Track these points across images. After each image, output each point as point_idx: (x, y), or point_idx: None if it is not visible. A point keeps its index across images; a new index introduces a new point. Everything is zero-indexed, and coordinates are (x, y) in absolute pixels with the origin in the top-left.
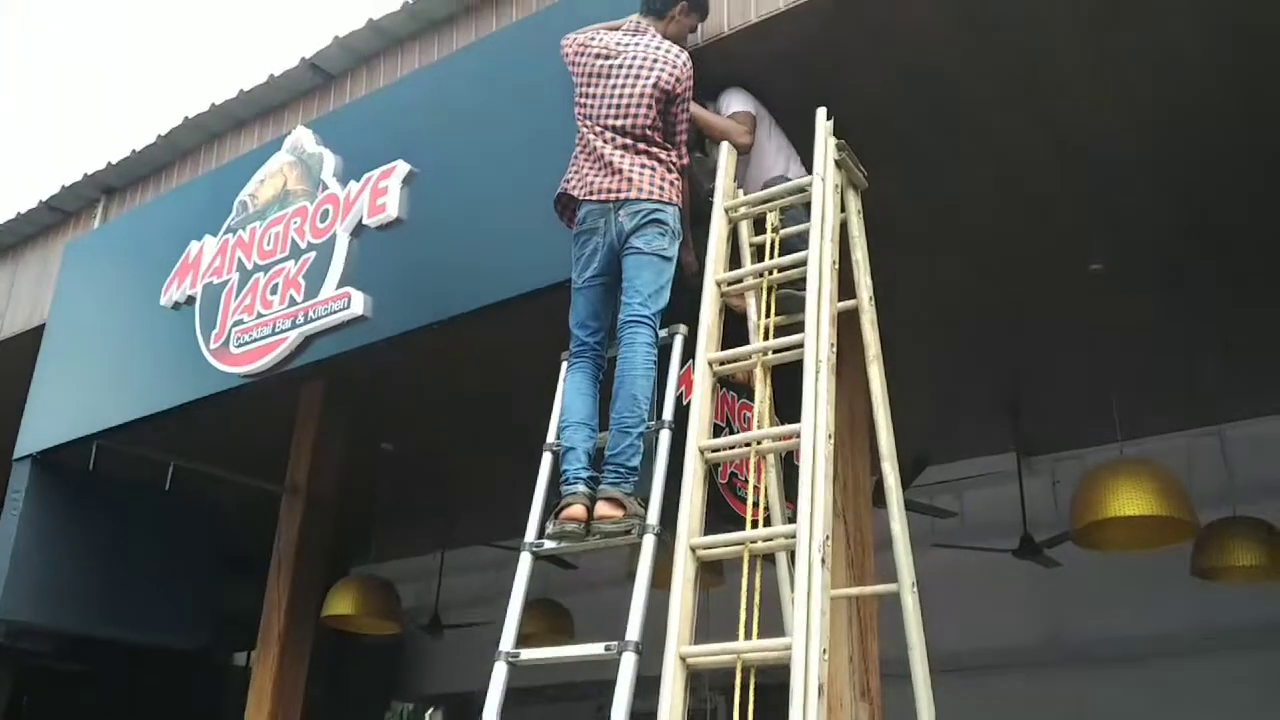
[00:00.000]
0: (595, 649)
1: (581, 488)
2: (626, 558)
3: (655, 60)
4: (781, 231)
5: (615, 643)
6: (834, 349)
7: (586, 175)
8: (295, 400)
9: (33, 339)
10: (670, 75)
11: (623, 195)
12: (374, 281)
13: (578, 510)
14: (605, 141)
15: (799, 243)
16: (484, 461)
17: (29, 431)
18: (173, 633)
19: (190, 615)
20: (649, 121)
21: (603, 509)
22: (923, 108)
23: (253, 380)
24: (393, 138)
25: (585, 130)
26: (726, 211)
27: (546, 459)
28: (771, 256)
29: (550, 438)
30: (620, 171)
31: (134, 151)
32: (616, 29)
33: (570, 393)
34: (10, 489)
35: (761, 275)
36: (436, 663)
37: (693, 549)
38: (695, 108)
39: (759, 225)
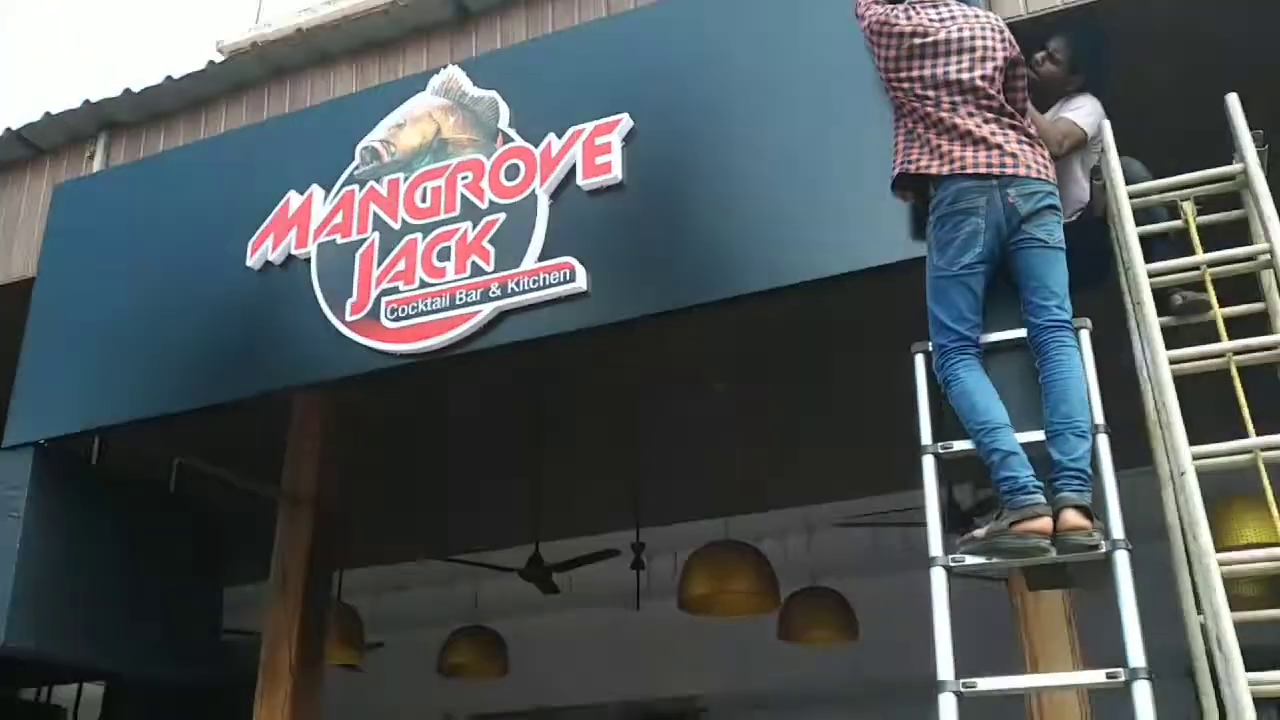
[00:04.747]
0: (1094, 676)
1: (1041, 497)
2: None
3: (988, 29)
4: (1200, 219)
5: (1120, 670)
6: None
7: (949, 150)
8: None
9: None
10: (1008, 40)
11: (1008, 171)
12: (592, 254)
13: (1046, 524)
14: (963, 117)
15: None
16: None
17: (28, 414)
18: (174, 665)
19: (192, 644)
20: (999, 92)
21: (1074, 519)
22: None
23: (421, 360)
24: (593, 87)
25: (923, 107)
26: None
27: (930, 463)
28: (1188, 251)
29: (926, 440)
30: (1000, 147)
31: (169, 79)
32: (909, 6)
33: (979, 392)
34: (5, 483)
35: (1197, 269)
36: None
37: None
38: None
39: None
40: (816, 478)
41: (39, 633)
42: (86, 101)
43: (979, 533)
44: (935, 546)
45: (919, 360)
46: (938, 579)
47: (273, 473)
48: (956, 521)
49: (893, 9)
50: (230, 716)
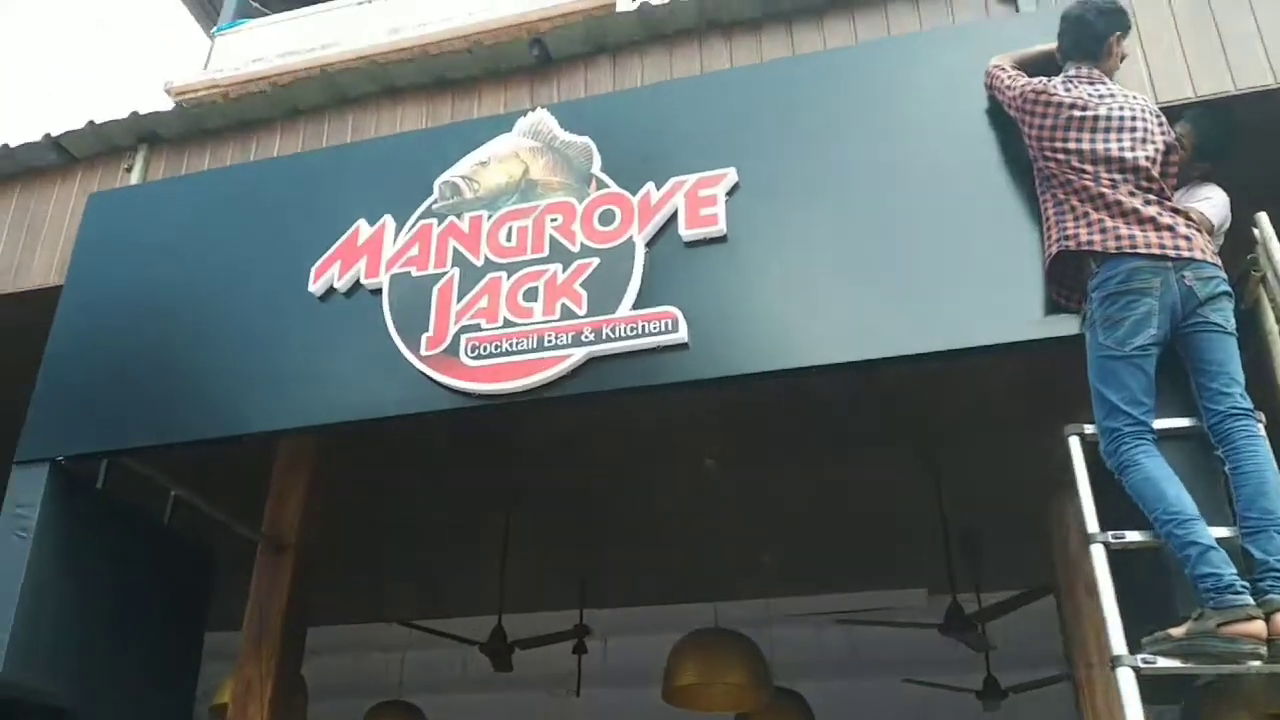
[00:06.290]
0: None
1: (1251, 598)
2: None
3: (1146, 111)
4: None
5: None
6: None
7: (1114, 227)
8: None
9: (15, 303)
10: (1164, 125)
11: (1184, 254)
12: (690, 306)
13: (1261, 627)
14: (1125, 195)
15: None
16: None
17: (46, 428)
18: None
19: (171, 697)
20: (1160, 175)
21: None
22: None
23: (501, 401)
24: (694, 139)
25: (1079, 180)
26: None
27: (1100, 552)
28: None
29: (1092, 528)
30: (1172, 228)
31: (224, 98)
32: (1066, 80)
33: (1166, 480)
34: (15, 500)
35: None
36: None
37: None
38: None
39: None
40: (778, 570)
41: (35, 667)
42: (133, 113)
43: (1175, 632)
44: (1118, 644)
45: (1074, 443)
46: (1126, 680)
47: (249, 515)
48: (961, 625)
49: (1049, 80)
50: None
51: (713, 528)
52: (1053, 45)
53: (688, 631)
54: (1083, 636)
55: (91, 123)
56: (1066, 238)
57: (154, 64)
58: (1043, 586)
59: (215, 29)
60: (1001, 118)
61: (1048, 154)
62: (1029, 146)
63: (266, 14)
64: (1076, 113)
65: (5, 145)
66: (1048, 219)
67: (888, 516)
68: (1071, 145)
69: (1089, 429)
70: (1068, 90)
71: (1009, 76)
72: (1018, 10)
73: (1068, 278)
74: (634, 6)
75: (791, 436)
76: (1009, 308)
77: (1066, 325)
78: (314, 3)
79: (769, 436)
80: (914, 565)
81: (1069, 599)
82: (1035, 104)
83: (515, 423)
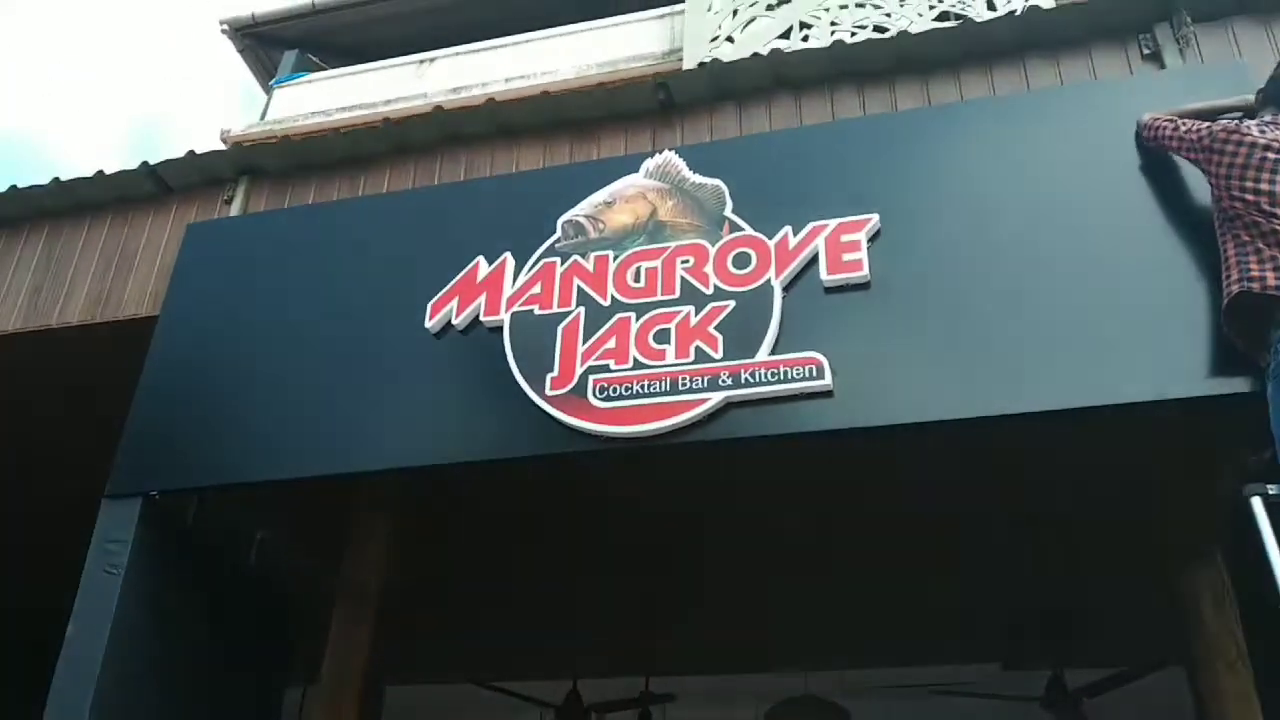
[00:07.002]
0: None
1: None
2: None
3: None
4: None
5: None
6: None
7: None
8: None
9: (105, 332)
10: None
11: None
12: (831, 352)
13: None
14: None
15: None
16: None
17: (138, 462)
18: None
19: None
20: None
21: None
22: None
23: (630, 445)
24: (831, 183)
25: (1268, 223)
26: None
27: None
28: None
29: None
30: None
31: (336, 132)
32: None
33: None
34: (105, 535)
35: None
36: None
37: None
38: None
39: None
40: (867, 639)
41: (119, 713)
42: (235, 145)
43: None
44: None
45: (1257, 504)
46: None
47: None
48: (1062, 699)
49: (1241, 121)
50: None
51: (790, 596)
52: (1235, 100)
53: (752, 699)
54: (1223, 714)
55: (191, 152)
56: (1250, 279)
57: (154, 64)
58: (1144, 663)
59: (273, 81)
60: (1152, 171)
61: (1235, 193)
62: (1213, 187)
63: (324, 69)
64: (1271, 154)
65: (100, 172)
66: (1227, 261)
67: (971, 588)
68: (1264, 186)
69: (1273, 489)
70: (1262, 132)
71: (1183, 122)
72: (1163, 67)
73: (1247, 324)
74: (710, 60)
75: (878, 500)
76: (1168, 363)
77: (1233, 383)
78: (373, 59)
79: (853, 498)
80: (990, 638)
81: (1205, 674)
82: (1226, 143)
83: (598, 479)
